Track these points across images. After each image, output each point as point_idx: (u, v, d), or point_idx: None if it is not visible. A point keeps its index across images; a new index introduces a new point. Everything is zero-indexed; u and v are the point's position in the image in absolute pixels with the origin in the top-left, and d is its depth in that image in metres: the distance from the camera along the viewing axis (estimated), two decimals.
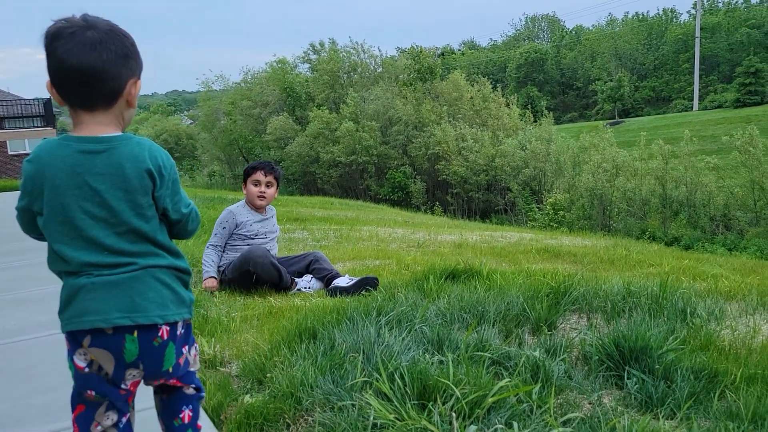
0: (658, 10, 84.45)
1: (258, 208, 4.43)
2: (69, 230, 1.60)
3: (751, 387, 2.32)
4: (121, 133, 1.65)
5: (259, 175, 4.37)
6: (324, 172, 41.11)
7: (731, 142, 26.97)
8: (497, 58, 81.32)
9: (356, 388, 2.24)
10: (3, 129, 28.77)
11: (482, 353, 2.48)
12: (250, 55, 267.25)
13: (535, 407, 2.13)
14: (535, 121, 39.50)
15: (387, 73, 45.39)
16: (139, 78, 1.67)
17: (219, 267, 4.32)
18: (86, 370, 1.63)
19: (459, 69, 50.05)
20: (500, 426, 1.99)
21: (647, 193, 27.05)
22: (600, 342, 2.65)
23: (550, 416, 2.06)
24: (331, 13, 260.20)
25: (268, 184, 4.40)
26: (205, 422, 2.23)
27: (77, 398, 1.68)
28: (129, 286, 1.61)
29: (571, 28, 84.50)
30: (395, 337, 2.67)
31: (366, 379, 2.28)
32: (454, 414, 2.01)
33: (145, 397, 2.76)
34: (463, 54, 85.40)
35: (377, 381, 2.21)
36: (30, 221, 1.67)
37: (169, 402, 1.81)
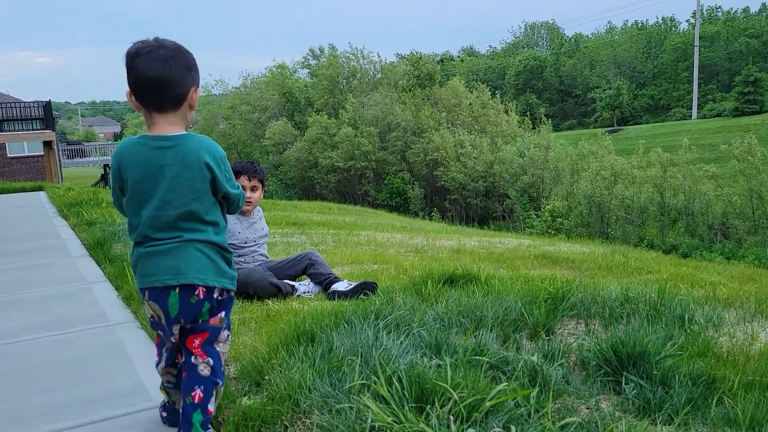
0: (657, 18, 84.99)
1: (245, 213, 4.36)
2: (139, 209, 2.00)
3: (748, 393, 2.32)
4: (185, 132, 2.03)
5: (243, 180, 4.21)
6: (322, 177, 41.05)
7: (730, 151, 27.05)
8: (496, 65, 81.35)
9: (354, 390, 2.24)
10: (2, 131, 28.69)
11: (480, 357, 2.48)
12: (249, 60, 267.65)
13: (532, 411, 2.13)
14: (534, 128, 39.55)
15: (386, 79, 45.40)
16: (198, 86, 2.05)
17: None
18: (151, 319, 2.09)
19: (458, 75, 50.28)
20: (498, 429, 1.99)
21: (645, 200, 27.08)
22: (598, 347, 2.65)
23: (548, 420, 2.06)
24: (331, 19, 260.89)
25: (253, 188, 4.27)
26: None
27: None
28: (175, 254, 1.99)
29: (570, 36, 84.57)
30: (393, 340, 2.66)
31: (364, 382, 2.28)
32: (451, 417, 2.01)
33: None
34: (462, 60, 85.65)
35: (375, 384, 2.21)
36: (119, 199, 2.10)
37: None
